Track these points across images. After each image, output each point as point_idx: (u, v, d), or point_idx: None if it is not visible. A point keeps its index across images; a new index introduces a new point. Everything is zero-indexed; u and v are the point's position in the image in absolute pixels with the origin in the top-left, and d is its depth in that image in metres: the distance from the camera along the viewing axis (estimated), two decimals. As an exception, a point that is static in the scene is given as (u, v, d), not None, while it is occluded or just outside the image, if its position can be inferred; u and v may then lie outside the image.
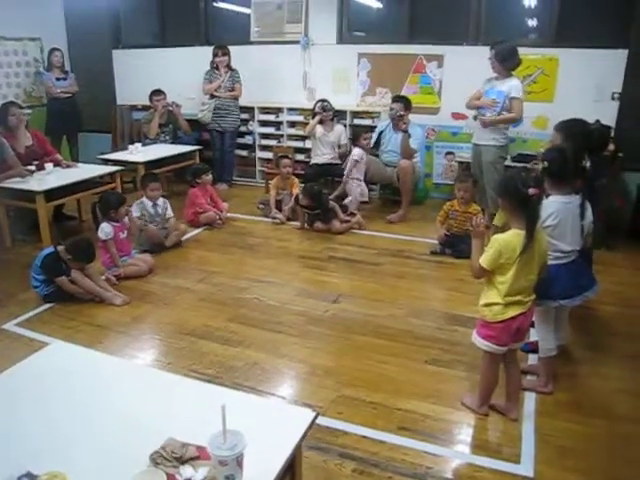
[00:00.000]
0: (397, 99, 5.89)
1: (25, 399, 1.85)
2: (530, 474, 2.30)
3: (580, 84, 4.77)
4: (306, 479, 2.04)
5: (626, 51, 5.32)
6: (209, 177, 5.53)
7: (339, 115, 6.36)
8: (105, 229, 4.23)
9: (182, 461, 1.48)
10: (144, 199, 4.87)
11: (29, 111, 5.61)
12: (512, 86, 4.76)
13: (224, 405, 1.42)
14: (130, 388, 1.92)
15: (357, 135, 5.72)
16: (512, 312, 2.42)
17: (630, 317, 3.75)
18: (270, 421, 1.72)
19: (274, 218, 5.60)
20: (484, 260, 2.42)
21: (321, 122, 6.11)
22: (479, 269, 2.46)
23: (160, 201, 4.93)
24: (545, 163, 2.77)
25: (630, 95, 5.37)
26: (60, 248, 3.81)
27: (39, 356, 2.14)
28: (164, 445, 1.54)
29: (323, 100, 6.17)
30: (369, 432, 2.55)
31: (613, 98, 5.48)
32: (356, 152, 5.56)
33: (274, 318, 3.67)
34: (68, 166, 5.35)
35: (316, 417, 1.73)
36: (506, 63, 4.75)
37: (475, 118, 5.19)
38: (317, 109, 6.12)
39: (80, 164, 5.63)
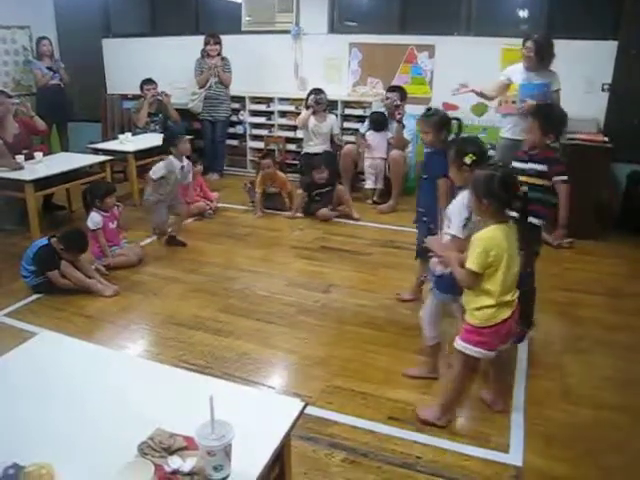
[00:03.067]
0: (393, 88, 5.86)
1: (13, 389, 1.84)
2: (519, 463, 2.32)
3: (570, 75, 4.75)
4: (296, 469, 2.05)
5: (616, 42, 5.32)
6: (200, 167, 5.49)
7: (330, 105, 6.33)
8: (94, 219, 4.20)
9: (170, 451, 1.48)
10: (172, 158, 4.73)
11: (17, 100, 5.52)
12: (554, 78, 4.52)
13: (212, 395, 1.43)
14: (118, 378, 1.91)
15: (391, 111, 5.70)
16: (503, 315, 2.29)
17: (617, 306, 3.78)
18: (258, 411, 1.72)
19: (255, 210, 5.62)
20: (472, 263, 2.23)
21: (314, 113, 6.09)
22: (468, 275, 2.27)
23: (186, 162, 4.85)
24: None
25: (620, 86, 5.37)
26: (53, 240, 3.78)
27: (27, 346, 2.13)
28: (152, 435, 1.53)
29: (317, 91, 6.11)
30: (359, 422, 2.57)
31: (603, 89, 5.49)
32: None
33: (264, 308, 3.67)
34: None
35: (305, 407, 1.73)
36: (546, 61, 4.49)
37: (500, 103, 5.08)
38: (310, 102, 6.07)
39: (69, 153, 5.59)
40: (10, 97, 5.30)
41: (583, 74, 5.39)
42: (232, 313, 3.59)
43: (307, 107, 6.12)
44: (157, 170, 4.62)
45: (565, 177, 2.95)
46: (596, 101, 5.44)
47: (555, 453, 2.39)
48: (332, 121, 6.21)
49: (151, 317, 3.55)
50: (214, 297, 3.82)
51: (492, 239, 2.24)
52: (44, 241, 3.84)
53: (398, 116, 5.57)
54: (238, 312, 3.61)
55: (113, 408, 1.74)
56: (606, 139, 4.93)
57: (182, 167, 4.76)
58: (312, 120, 6.11)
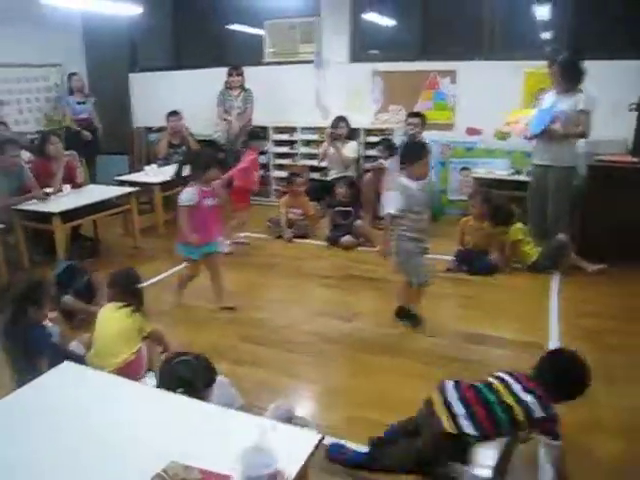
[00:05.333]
0: (415, 114, 5.88)
1: (30, 421, 1.83)
2: None
3: (598, 94, 4.70)
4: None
5: (643, 62, 5.27)
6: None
7: (353, 133, 6.35)
8: (188, 193, 3.83)
9: (184, 485, 1.45)
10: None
11: (68, 152, 5.70)
12: (579, 99, 4.47)
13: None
14: (131, 410, 1.90)
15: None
16: None
17: None
18: (274, 444, 1.67)
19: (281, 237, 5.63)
20: None
21: (335, 139, 6.11)
22: None
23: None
24: None
25: (647, 106, 5.28)
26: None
27: (49, 376, 2.13)
28: (166, 468, 1.50)
29: (336, 121, 6.19)
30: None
31: (630, 109, 5.39)
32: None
33: (287, 337, 3.63)
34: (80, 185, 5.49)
35: (321, 440, 1.68)
36: (572, 82, 4.49)
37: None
38: (326, 135, 6.16)
39: (97, 185, 5.70)
40: (22, 147, 5.42)
41: (609, 95, 5.28)
42: (253, 342, 3.56)
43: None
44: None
45: (559, 442, 2.14)
46: (624, 121, 5.32)
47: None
48: (351, 147, 6.23)
49: (173, 347, 3.52)
50: (236, 326, 3.80)
51: None
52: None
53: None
54: (259, 341, 3.58)
55: (126, 440, 1.71)
56: (635, 160, 4.81)
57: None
58: (331, 149, 6.15)
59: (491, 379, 2.26)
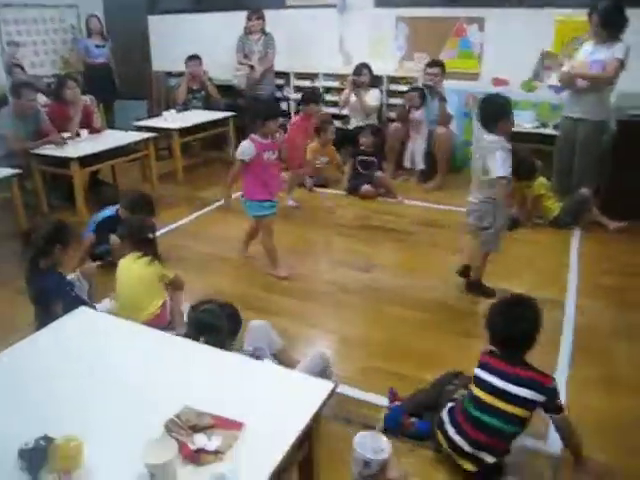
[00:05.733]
0: (434, 63, 5.66)
1: (47, 363, 1.86)
2: (557, 452, 2.23)
3: (635, 47, 4.45)
4: (330, 449, 2.04)
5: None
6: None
7: (377, 80, 6.20)
8: (245, 146, 3.58)
9: (196, 430, 1.46)
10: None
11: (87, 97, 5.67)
12: (617, 48, 4.23)
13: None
14: (149, 355, 1.92)
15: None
16: None
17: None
18: (288, 392, 1.69)
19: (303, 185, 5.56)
20: None
21: (358, 86, 5.96)
22: None
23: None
24: None
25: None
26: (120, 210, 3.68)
27: (64, 321, 2.15)
28: (179, 414, 1.52)
29: (358, 68, 6.00)
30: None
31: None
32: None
33: (308, 287, 3.64)
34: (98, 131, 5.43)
35: (334, 389, 1.69)
36: (611, 29, 4.25)
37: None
38: (348, 82, 5.97)
39: (114, 131, 5.67)
40: (38, 91, 5.36)
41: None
42: (273, 292, 3.58)
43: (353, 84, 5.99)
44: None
45: (562, 414, 2.08)
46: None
47: (603, 444, 2.27)
48: (372, 94, 6.05)
49: (193, 294, 3.50)
50: (257, 275, 3.81)
51: None
52: (109, 212, 3.80)
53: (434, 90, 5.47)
54: (279, 290, 3.59)
55: (143, 385, 1.74)
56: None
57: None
58: (353, 97, 5.99)
59: (481, 394, 2.07)
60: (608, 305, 3.42)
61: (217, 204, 5.04)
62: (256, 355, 2.28)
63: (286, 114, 6.76)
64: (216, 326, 2.14)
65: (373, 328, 3.19)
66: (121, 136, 5.41)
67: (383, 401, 2.51)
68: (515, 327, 2.08)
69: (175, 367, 1.82)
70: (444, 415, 2.20)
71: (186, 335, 2.14)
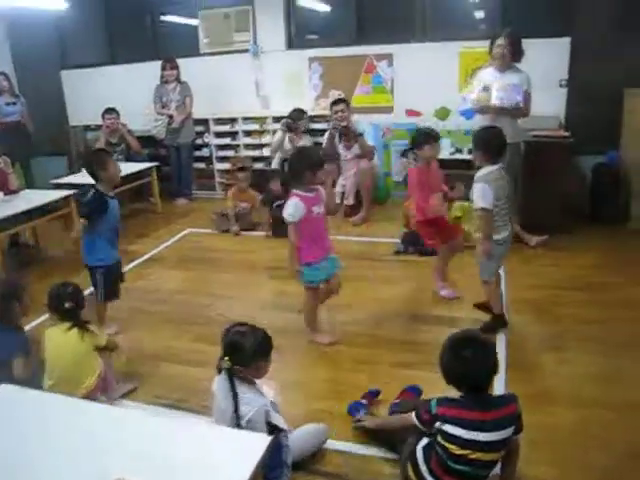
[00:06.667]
0: (337, 102, 5.69)
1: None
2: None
3: (529, 73, 4.79)
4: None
5: (569, 39, 5.42)
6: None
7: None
8: (293, 206, 3.17)
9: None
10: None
11: None
12: (525, 78, 4.44)
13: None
14: (80, 426, 1.85)
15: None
16: None
17: (593, 300, 3.78)
18: (224, 449, 1.66)
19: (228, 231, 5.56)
20: None
21: (292, 131, 5.95)
22: None
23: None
24: None
25: (576, 81, 5.47)
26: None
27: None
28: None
29: (300, 111, 6.07)
30: (340, 445, 2.51)
31: (561, 85, 5.55)
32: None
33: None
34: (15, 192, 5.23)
35: (274, 440, 1.68)
36: (517, 56, 4.45)
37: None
38: (281, 125, 5.98)
39: (33, 190, 5.50)
40: None
41: (541, 71, 5.41)
42: (207, 342, 3.51)
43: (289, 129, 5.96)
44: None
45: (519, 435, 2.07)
46: (556, 97, 5.49)
47: (541, 458, 2.35)
48: (305, 141, 6.09)
49: (120, 353, 3.42)
50: (187, 326, 3.75)
51: None
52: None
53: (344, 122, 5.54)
54: (212, 340, 3.51)
55: (74, 457, 1.67)
56: (567, 134, 4.95)
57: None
58: (286, 142, 5.99)
59: (454, 448, 1.96)
60: (536, 319, 3.57)
61: (147, 256, 4.98)
62: (276, 409, 2.31)
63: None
64: (239, 344, 2.19)
65: (314, 368, 3.19)
66: (40, 196, 5.26)
67: (329, 444, 2.49)
68: (482, 370, 1.98)
69: (106, 435, 1.77)
70: (418, 451, 2.13)
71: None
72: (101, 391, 2.82)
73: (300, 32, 6.71)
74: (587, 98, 5.34)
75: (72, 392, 2.54)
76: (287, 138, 5.97)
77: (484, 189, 3.15)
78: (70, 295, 2.81)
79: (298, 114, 6.03)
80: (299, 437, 2.37)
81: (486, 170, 3.22)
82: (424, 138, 3.70)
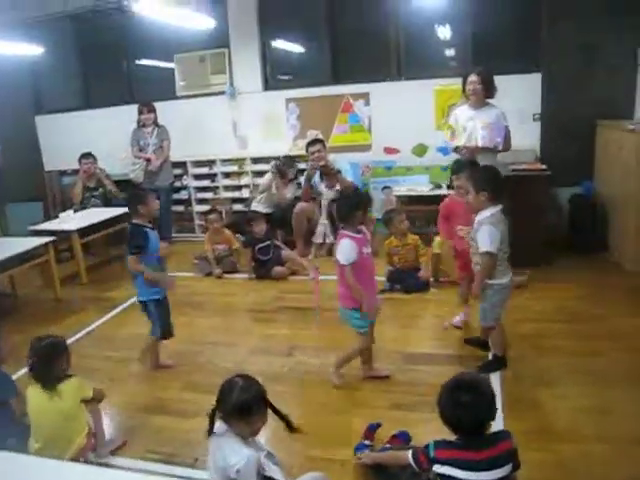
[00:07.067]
0: (313, 143, 5.77)
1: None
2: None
3: (504, 108, 4.89)
4: None
5: (539, 74, 5.57)
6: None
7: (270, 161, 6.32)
8: (347, 247, 3.07)
9: None
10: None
11: None
12: (500, 114, 4.39)
13: None
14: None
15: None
16: None
17: (579, 331, 3.80)
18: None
19: (211, 274, 5.54)
20: None
21: (281, 176, 6.01)
22: None
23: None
24: None
25: (549, 115, 5.61)
26: None
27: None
28: None
29: (291, 159, 6.16)
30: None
31: (534, 119, 5.69)
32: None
33: (230, 381, 3.52)
34: None
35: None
36: (492, 90, 4.43)
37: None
38: (271, 168, 6.02)
39: (9, 238, 5.40)
40: None
41: (514, 107, 5.52)
42: (196, 390, 3.44)
43: (281, 175, 6.02)
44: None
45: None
46: (531, 131, 5.62)
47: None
48: (291, 188, 6.19)
49: (110, 405, 3.34)
50: (175, 375, 3.66)
51: None
52: None
53: (322, 162, 5.62)
54: (202, 389, 3.46)
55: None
56: (544, 167, 5.05)
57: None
58: (273, 188, 6.02)
59: None
60: (525, 354, 3.57)
61: (128, 303, 4.88)
62: (274, 461, 2.25)
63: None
64: (225, 396, 2.22)
65: (306, 414, 3.12)
66: (16, 243, 5.16)
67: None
68: (480, 417, 1.96)
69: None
70: None
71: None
72: (91, 448, 2.71)
73: (276, 73, 6.80)
74: (560, 131, 5.50)
75: (62, 453, 2.43)
76: (274, 184, 5.98)
77: (491, 232, 3.07)
78: (37, 350, 2.63)
79: (288, 161, 6.10)
80: None
81: (489, 212, 3.14)
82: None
